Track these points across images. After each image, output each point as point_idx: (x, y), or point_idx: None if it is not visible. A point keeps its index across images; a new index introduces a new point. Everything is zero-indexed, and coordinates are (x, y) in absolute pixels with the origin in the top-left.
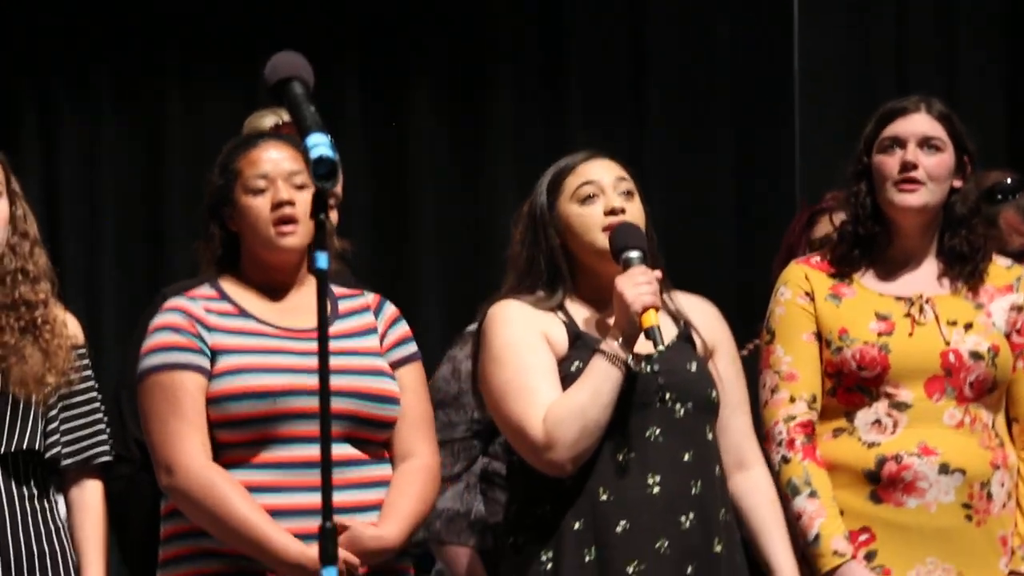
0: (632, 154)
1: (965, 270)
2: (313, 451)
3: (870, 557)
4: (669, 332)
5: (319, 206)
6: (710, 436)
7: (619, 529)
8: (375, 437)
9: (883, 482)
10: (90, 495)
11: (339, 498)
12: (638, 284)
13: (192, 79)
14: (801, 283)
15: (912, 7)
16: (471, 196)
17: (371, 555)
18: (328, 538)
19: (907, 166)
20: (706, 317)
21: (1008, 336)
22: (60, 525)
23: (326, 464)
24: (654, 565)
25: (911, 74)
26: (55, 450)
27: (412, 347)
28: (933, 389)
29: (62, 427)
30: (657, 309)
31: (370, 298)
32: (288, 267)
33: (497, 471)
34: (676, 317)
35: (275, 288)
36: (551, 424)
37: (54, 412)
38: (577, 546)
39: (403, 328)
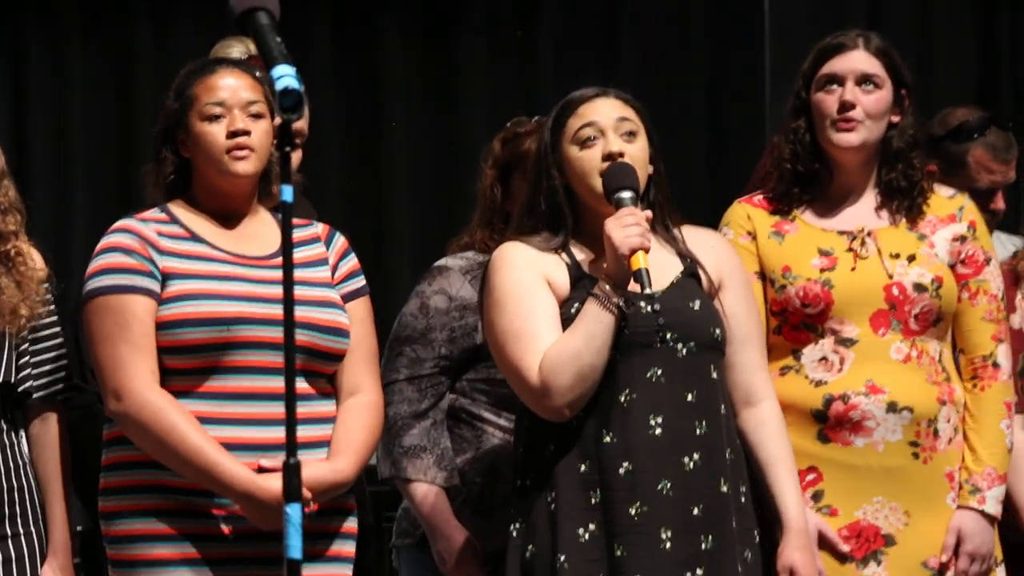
0: None
1: (903, 204)
2: (262, 383)
3: (817, 497)
4: (673, 270)
5: (284, 139)
6: (715, 375)
7: (622, 471)
8: (325, 370)
9: (830, 422)
10: (52, 429)
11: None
12: (626, 226)
13: (161, 9)
14: (743, 222)
15: None
16: (442, 133)
17: (325, 489)
18: (292, 474)
19: (845, 105)
20: (715, 251)
21: (952, 267)
22: (26, 460)
23: (290, 398)
24: (657, 506)
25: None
26: (28, 383)
27: (361, 280)
28: (878, 323)
29: (32, 360)
30: (646, 251)
31: (320, 228)
32: (240, 194)
33: (464, 407)
34: (682, 254)
35: (226, 215)
36: (547, 370)
37: (24, 346)
38: (582, 488)
39: (353, 260)
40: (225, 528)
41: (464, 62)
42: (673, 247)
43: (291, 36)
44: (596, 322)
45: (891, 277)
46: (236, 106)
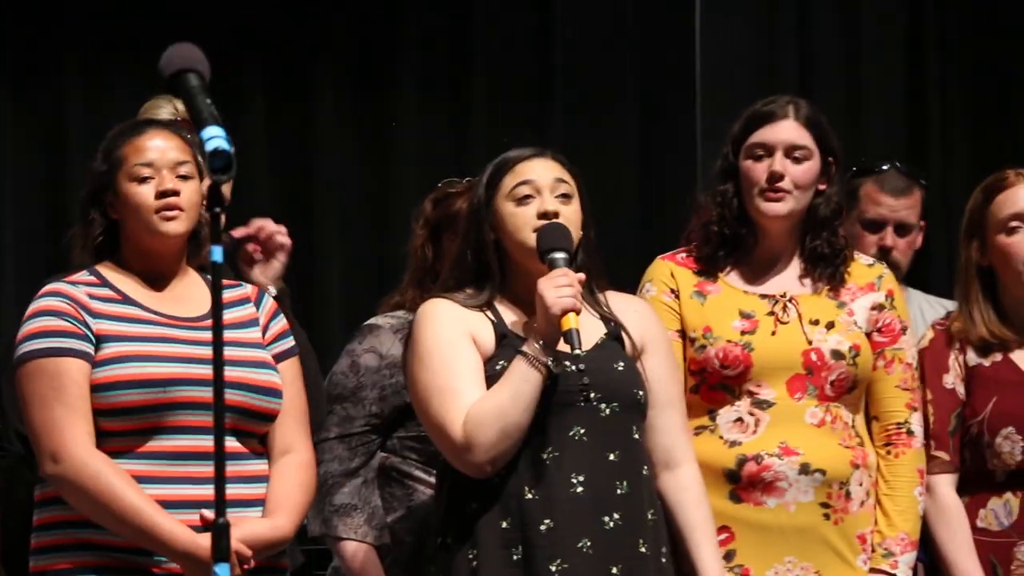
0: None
1: (826, 272)
2: (199, 442)
3: (729, 557)
4: (597, 332)
5: (214, 199)
6: (636, 436)
7: (543, 527)
8: (258, 430)
9: (743, 482)
10: None
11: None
12: (559, 286)
13: (94, 68)
14: (666, 279)
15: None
16: (375, 191)
17: (265, 546)
18: (221, 534)
19: (774, 176)
20: (638, 316)
21: (869, 335)
22: None
23: (219, 457)
24: (577, 564)
25: (816, 60)
26: None
27: (291, 340)
28: (795, 388)
29: None
30: (577, 312)
31: (249, 289)
32: (170, 254)
33: (395, 465)
34: (606, 318)
35: (155, 277)
36: (471, 426)
37: None
38: (503, 545)
39: (283, 321)
40: None
41: (397, 118)
42: (597, 311)
43: (223, 95)
44: (523, 380)
45: (810, 343)
46: (165, 167)
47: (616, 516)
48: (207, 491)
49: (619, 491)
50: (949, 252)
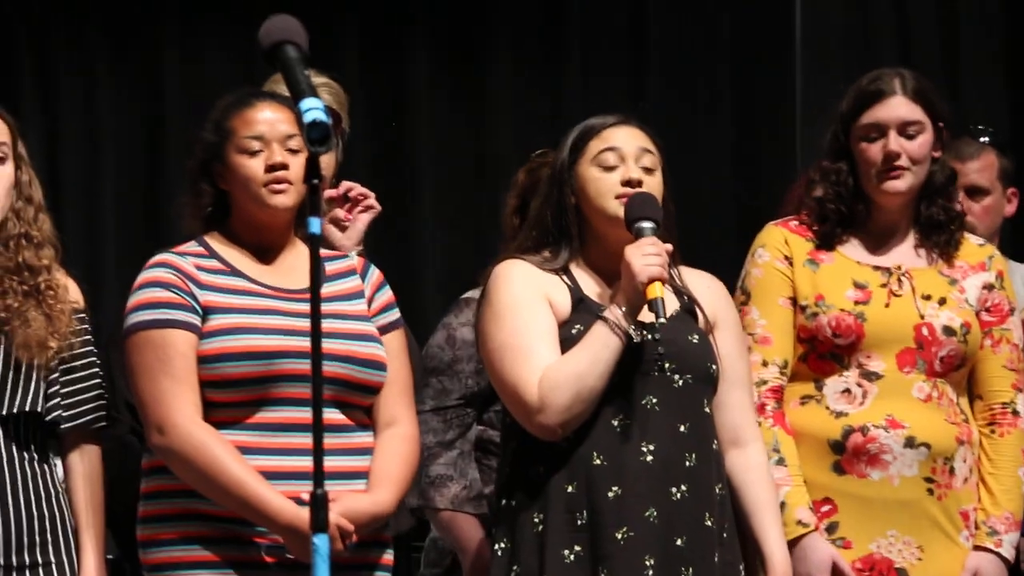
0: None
1: (941, 239)
2: (305, 414)
3: (831, 529)
4: (672, 305)
5: (312, 171)
6: (707, 409)
7: (611, 495)
8: (362, 402)
9: (847, 453)
10: (87, 459)
11: (326, 463)
12: (647, 255)
13: (191, 33)
14: (780, 246)
15: None
16: (470, 164)
17: (368, 520)
18: (319, 505)
19: (891, 156)
20: (711, 293)
21: (978, 314)
22: (59, 489)
23: (318, 429)
24: (643, 533)
25: (912, 36)
26: (55, 413)
27: (396, 313)
28: (905, 361)
29: (62, 391)
30: (664, 282)
31: (355, 261)
32: (278, 227)
33: (492, 439)
34: (680, 291)
35: (264, 249)
36: (546, 387)
37: (55, 375)
38: (568, 509)
39: (388, 294)
40: (267, 557)
41: (492, 88)
42: (672, 284)
43: (316, 57)
44: (603, 346)
45: (922, 317)
46: (274, 140)
47: (684, 488)
48: (306, 463)
49: (688, 463)
50: None
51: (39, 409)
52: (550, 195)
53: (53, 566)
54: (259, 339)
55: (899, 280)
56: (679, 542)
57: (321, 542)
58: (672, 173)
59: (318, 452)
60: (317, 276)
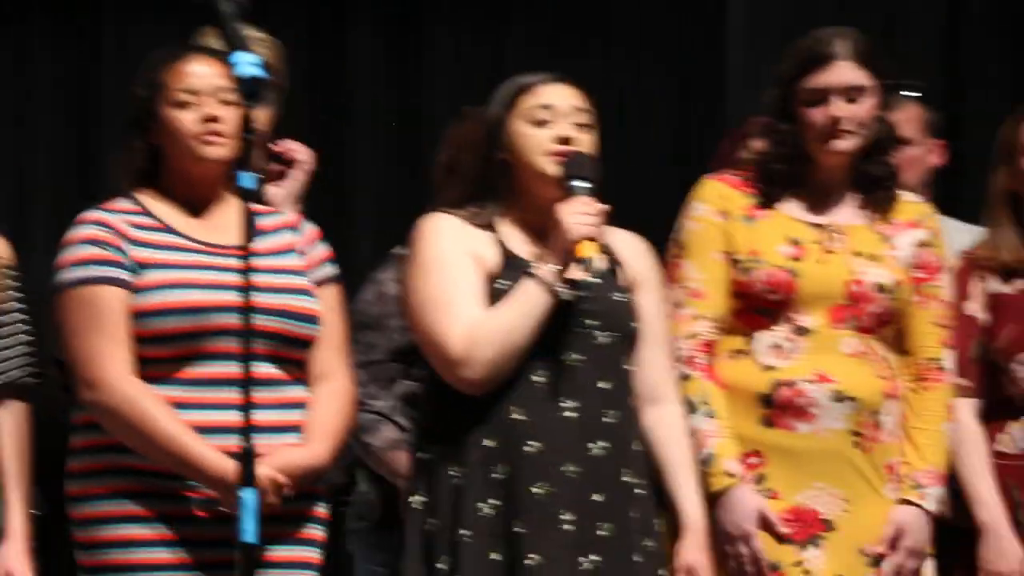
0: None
1: (879, 195)
2: (236, 369)
3: (760, 480)
4: (596, 264)
5: (245, 125)
6: (627, 367)
7: (529, 449)
8: (297, 356)
9: (776, 407)
10: (13, 415)
11: (259, 417)
12: (579, 213)
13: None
14: (716, 200)
15: None
16: (409, 124)
17: (302, 474)
18: (247, 459)
19: (836, 121)
20: (634, 252)
21: (909, 270)
22: None
23: (246, 384)
24: (561, 488)
25: None
26: None
27: (332, 268)
28: (836, 317)
29: None
30: (595, 242)
31: (290, 217)
32: (211, 181)
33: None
34: (604, 250)
35: (196, 203)
36: (472, 341)
37: None
38: (485, 463)
39: (323, 248)
40: (199, 511)
41: (433, 48)
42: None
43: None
44: (533, 303)
45: (853, 274)
46: (207, 93)
47: (603, 444)
48: (238, 417)
49: (606, 419)
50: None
51: None
52: (479, 150)
53: None
54: (190, 294)
55: (832, 237)
56: (596, 497)
57: (248, 496)
58: (609, 133)
59: (247, 406)
60: (249, 231)
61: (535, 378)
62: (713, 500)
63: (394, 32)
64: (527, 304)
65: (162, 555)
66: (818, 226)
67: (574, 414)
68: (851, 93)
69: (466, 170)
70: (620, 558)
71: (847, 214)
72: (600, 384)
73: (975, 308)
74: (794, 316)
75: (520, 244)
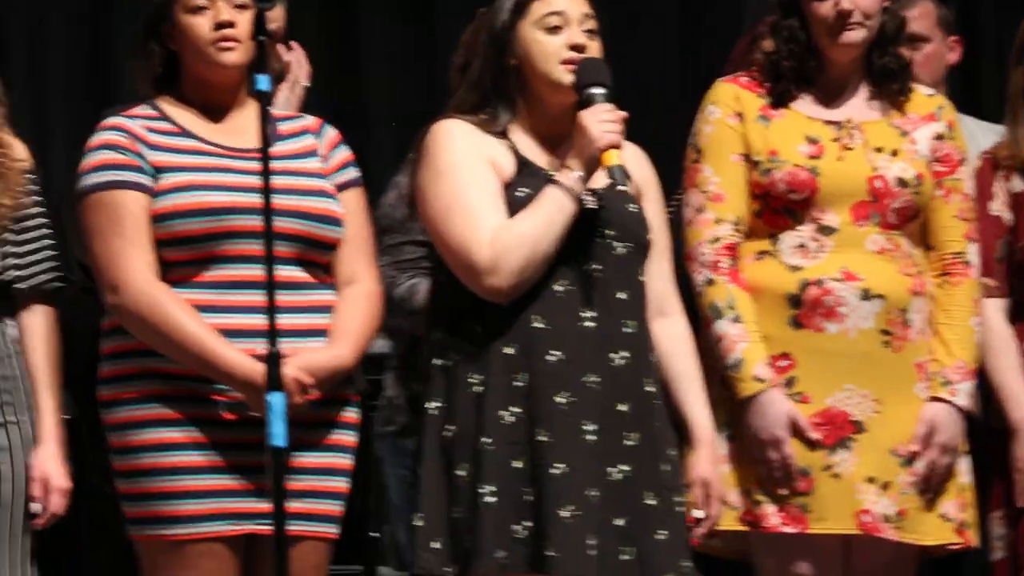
0: None
1: (893, 88)
2: (257, 271)
3: (790, 383)
4: (620, 172)
5: (259, 27)
6: (642, 278)
7: (551, 358)
8: (320, 259)
9: (804, 307)
10: (42, 320)
11: (285, 321)
12: (604, 121)
13: None
14: (731, 103)
15: None
16: (423, 26)
17: (327, 375)
18: (273, 363)
19: (844, 14)
20: (636, 163)
21: (929, 164)
22: (12, 350)
23: (271, 287)
24: (584, 398)
25: None
26: (9, 273)
27: (354, 171)
28: (859, 214)
29: (15, 250)
30: (618, 148)
31: (310, 120)
32: (228, 85)
33: None
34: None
35: (215, 108)
36: (499, 248)
37: (7, 235)
38: (506, 370)
39: (345, 151)
40: (228, 414)
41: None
42: None
43: None
44: (558, 210)
45: (875, 170)
46: None
47: (623, 353)
48: (265, 320)
49: (625, 329)
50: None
51: None
52: (488, 57)
53: (14, 425)
54: (209, 195)
55: (850, 133)
56: (621, 407)
57: (276, 400)
58: (615, 40)
59: (271, 309)
60: (265, 131)
61: (556, 287)
62: (743, 405)
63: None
64: (553, 211)
65: (194, 458)
66: (835, 123)
67: (594, 324)
68: None
69: (477, 76)
70: (649, 467)
71: (862, 109)
72: (619, 295)
73: (999, 208)
74: (817, 215)
75: (533, 151)
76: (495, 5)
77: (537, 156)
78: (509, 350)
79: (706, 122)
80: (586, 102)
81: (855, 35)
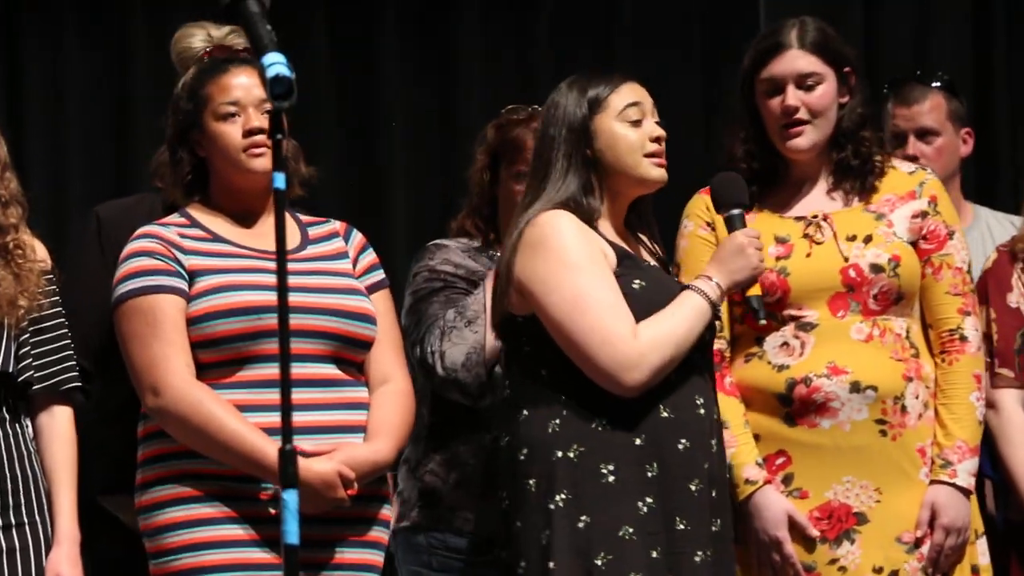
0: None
1: (856, 183)
2: (294, 370)
3: (788, 480)
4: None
5: (276, 126)
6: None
7: (680, 447)
8: (355, 357)
9: (795, 404)
10: (59, 421)
11: (323, 418)
12: (758, 249)
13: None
14: (702, 214)
15: None
16: (439, 126)
17: (368, 469)
18: (288, 460)
19: (788, 111)
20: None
21: (915, 243)
22: (31, 450)
23: (286, 384)
24: (703, 486)
25: None
26: (27, 374)
27: (381, 274)
28: (837, 306)
29: (33, 351)
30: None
31: (337, 225)
32: (258, 191)
33: None
34: (652, 250)
35: (245, 214)
36: (648, 345)
37: (25, 336)
38: (638, 461)
39: (372, 255)
40: (272, 510)
41: (462, 47)
42: (647, 246)
43: (285, 25)
44: (700, 317)
45: (847, 260)
46: (250, 104)
47: (714, 441)
48: (303, 418)
49: (715, 415)
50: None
51: (10, 370)
52: (571, 151)
53: (26, 527)
54: (244, 295)
55: (819, 227)
56: (715, 494)
57: (290, 498)
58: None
59: (286, 408)
60: (282, 227)
61: (674, 377)
62: (742, 509)
63: (423, 33)
64: (696, 317)
65: (240, 555)
66: (803, 218)
67: (704, 411)
68: (804, 81)
69: (560, 168)
70: (724, 554)
71: (833, 200)
72: (709, 383)
73: (1018, 300)
74: (795, 312)
75: (618, 240)
76: (561, 99)
77: (625, 246)
78: (638, 440)
79: (681, 236)
80: (733, 222)
81: (802, 140)
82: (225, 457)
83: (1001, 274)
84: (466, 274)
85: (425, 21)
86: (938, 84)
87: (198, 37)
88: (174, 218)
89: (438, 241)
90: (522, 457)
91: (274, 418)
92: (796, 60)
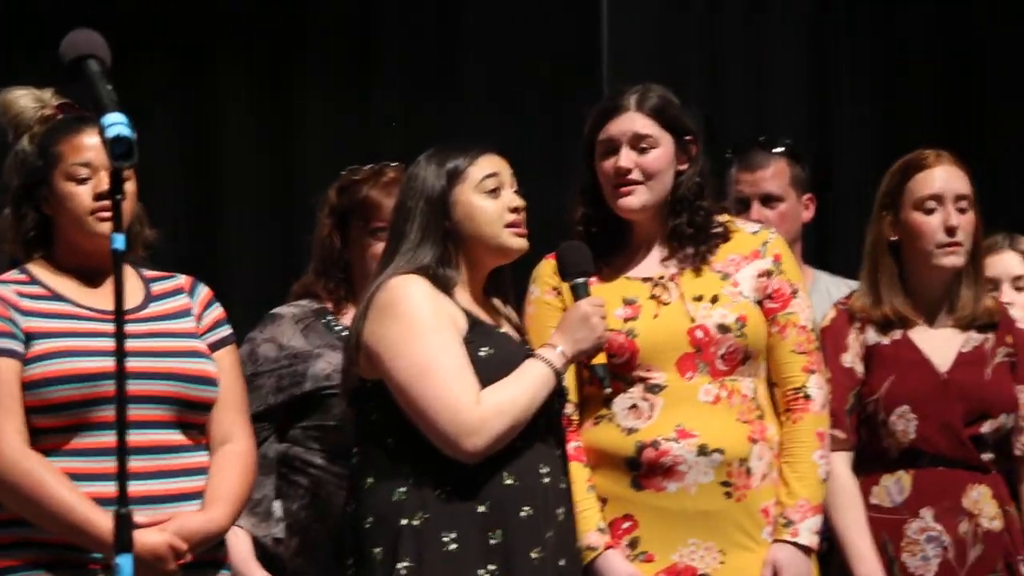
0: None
1: (690, 252)
2: (131, 437)
3: (634, 544)
4: (513, 335)
5: (115, 186)
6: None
7: (523, 515)
8: (197, 420)
9: (644, 468)
10: None
11: (160, 487)
12: (603, 318)
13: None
14: (548, 279)
15: None
16: (281, 183)
17: (201, 539)
18: (123, 525)
19: (620, 171)
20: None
21: (760, 303)
22: None
23: (122, 452)
24: (548, 553)
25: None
26: None
27: (227, 330)
28: (685, 367)
29: None
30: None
31: (183, 280)
32: (103, 252)
33: (298, 455)
34: (512, 322)
35: (89, 273)
36: (490, 412)
37: None
38: (481, 528)
39: (218, 310)
40: None
41: (305, 106)
42: (508, 318)
43: (127, 84)
44: (543, 385)
45: (693, 320)
46: (103, 167)
47: (561, 510)
48: (140, 487)
49: (561, 484)
50: (856, 232)
51: None
52: (428, 222)
53: None
54: (81, 361)
55: (666, 287)
56: (562, 563)
57: (124, 562)
58: None
59: (122, 474)
60: (120, 291)
61: (518, 444)
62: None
63: (266, 85)
64: (539, 386)
65: None
66: (650, 279)
67: (548, 480)
68: (639, 143)
69: (417, 236)
70: None
71: (679, 261)
72: (556, 452)
73: (852, 360)
74: (643, 374)
75: (474, 308)
76: (420, 171)
77: (479, 313)
78: (482, 508)
79: (528, 302)
80: (578, 291)
81: (632, 200)
82: (53, 526)
83: (837, 333)
84: (287, 355)
85: (267, 77)
86: (781, 150)
87: (25, 99)
88: (13, 275)
89: (276, 311)
90: (367, 525)
91: (110, 487)
92: (633, 121)
